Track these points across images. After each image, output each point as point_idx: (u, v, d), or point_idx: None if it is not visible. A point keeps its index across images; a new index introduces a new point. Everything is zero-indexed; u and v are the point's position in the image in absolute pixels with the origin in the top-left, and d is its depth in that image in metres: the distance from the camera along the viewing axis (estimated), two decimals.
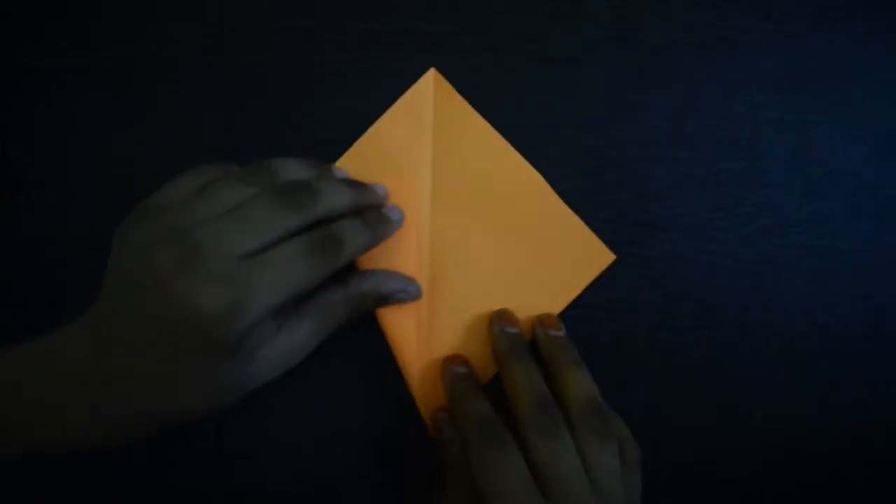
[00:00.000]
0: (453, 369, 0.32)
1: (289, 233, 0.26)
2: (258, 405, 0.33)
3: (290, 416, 0.33)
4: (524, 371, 0.30)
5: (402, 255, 0.33)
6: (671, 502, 0.34)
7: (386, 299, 0.31)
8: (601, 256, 0.34)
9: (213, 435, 0.33)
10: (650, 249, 0.35)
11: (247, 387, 0.27)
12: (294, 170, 0.30)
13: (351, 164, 0.34)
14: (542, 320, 0.33)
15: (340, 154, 0.34)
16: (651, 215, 0.35)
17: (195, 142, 0.34)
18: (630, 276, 0.35)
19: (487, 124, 0.35)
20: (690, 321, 0.35)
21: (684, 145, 0.35)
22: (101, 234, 0.34)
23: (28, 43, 0.35)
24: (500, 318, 0.33)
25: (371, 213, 0.30)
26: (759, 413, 0.35)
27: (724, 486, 0.34)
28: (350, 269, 0.31)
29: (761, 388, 0.35)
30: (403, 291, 0.32)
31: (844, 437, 0.35)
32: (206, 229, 0.25)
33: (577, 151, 0.35)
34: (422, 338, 0.33)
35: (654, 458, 0.34)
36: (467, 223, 0.34)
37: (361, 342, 0.34)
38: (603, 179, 0.35)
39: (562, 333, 0.33)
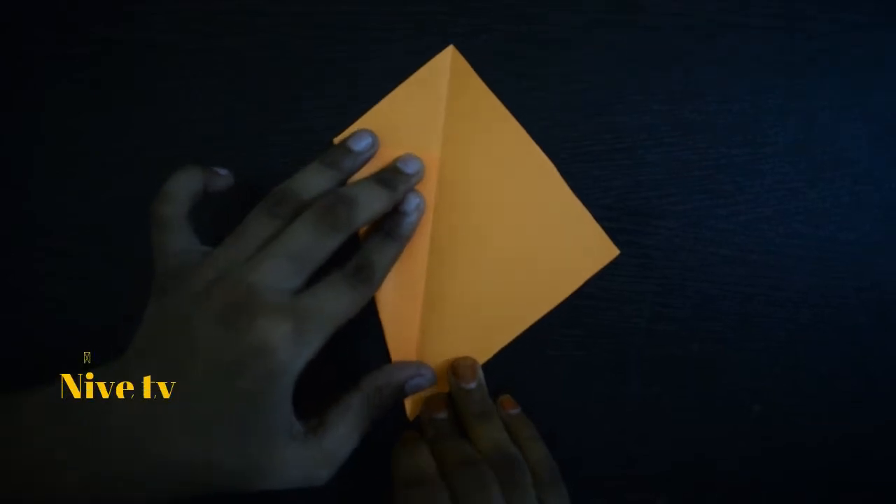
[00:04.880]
0: (432, 413, 0.32)
1: (331, 253, 0.28)
2: None
3: None
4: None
5: None
6: (668, 496, 0.34)
7: (402, 390, 0.31)
8: (605, 250, 0.34)
9: None
10: (648, 238, 0.34)
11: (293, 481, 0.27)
12: (315, 182, 0.29)
13: None
14: (457, 373, 0.33)
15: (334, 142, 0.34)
16: (649, 203, 0.34)
17: (194, 140, 0.34)
18: (628, 266, 0.34)
19: (502, 106, 0.34)
20: (689, 312, 0.34)
21: (683, 131, 0.34)
22: (101, 233, 0.34)
23: (28, 42, 0.35)
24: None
25: (391, 220, 0.31)
26: (757, 407, 0.34)
27: (721, 479, 0.34)
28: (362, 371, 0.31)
29: (760, 380, 0.34)
30: (418, 376, 0.31)
31: (844, 432, 0.34)
32: (253, 267, 0.26)
33: (573, 137, 0.34)
34: (416, 320, 0.33)
35: (651, 450, 0.34)
36: (472, 204, 0.34)
37: (362, 341, 0.34)
38: (600, 166, 0.34)
39: (473, 386, 0.33)
